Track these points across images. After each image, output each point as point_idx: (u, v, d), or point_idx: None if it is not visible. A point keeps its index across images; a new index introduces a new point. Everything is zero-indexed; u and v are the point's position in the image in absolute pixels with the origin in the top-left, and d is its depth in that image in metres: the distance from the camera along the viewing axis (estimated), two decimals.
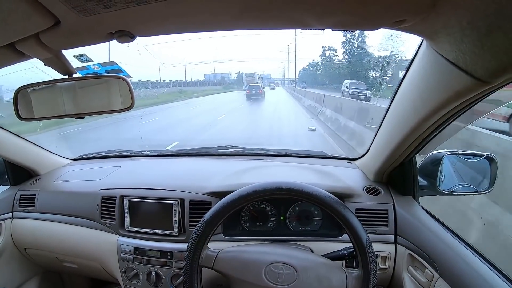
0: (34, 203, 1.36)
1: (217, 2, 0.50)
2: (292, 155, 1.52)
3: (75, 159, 1.64)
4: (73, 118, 0.83)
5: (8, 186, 1.47)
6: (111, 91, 0.80)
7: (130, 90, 0.78)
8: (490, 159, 1.05)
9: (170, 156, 1.62)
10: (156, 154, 1.60)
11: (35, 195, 1.37)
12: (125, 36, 0.59)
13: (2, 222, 1.36)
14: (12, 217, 1.38)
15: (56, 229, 1.29)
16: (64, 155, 1.62)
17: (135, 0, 0.46)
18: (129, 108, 0.79)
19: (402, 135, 0.89)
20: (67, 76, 0.77)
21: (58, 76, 0.78)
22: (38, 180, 1.46)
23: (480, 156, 1.06)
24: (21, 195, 1.40)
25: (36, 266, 1.50)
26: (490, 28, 0.47)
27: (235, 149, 1.58)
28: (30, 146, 1.43)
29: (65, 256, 1.35)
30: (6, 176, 1.46)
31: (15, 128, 1.34)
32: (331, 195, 0.82)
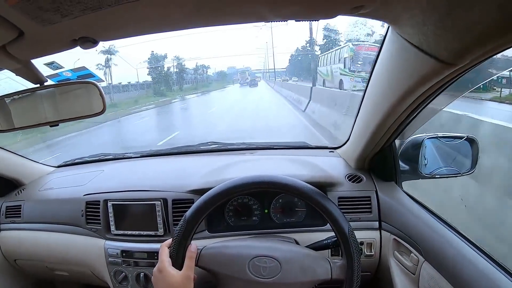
0: (20, 213, 1.34)
1: (170, 3, 0.50)
2: (274, 147, 1.52)
3: (58, 166, 1.62)
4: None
5: None
6: (82, 96, 0.80)
7: (101, 95, 0.78)
8: (471, 141, 1.05)
9: (152, 156, 1.60)
10: (139, 155, 1.59)
11: (20, 205, 1.36)
12: (88, 42, 0.61)
13: None
14: (0, 230, 1.37)
15: (44, 238, 1.28)
16: (48, 163, 1.61)
17: (90, 7, 0.47)
18: (101, 113, 0.79)
19: (378, 121, 0.89)
20: (38, 85, 0.77)
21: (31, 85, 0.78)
22: (23, 190, 1.44)
23: (460, 138, 1.06)
24: (6, 206, 1.38)
25: (28, 276, 1.49)
26: (450, 7, 0.46)
27: (217, 145, 1.58)
28: (11, 156, 1.41)
29: (55, 264, 1.34)
30: None
31: None
32: (310, 185, 0.81)
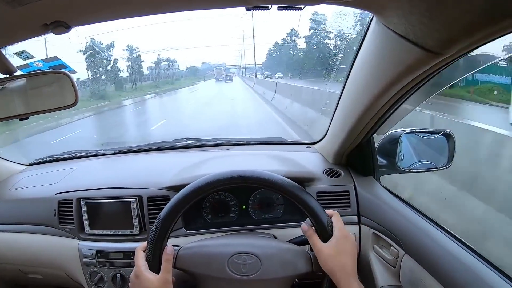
0: None
1: None
2: (251, 143, 1.52)
3: (30, 164, 1.55)
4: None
5: None
6: (54, 88, 0.77)
7: (73, 86, 0.75)
8: (448, 135, 1.07)
9: (126, 153, 1.57)
10: (112, 152, 1.55)
11: None
12: (60, 27, 0.57)
13: None
14: None
15: (16, 240, 1.22)
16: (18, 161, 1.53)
17: None
18: (73, 105, 0.76)
19: (358, 115, 0.89)
20: (7, 76, 0.73)
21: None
22: None
23: (437, 133, 1.08)
24: None
25: (0, 281, 1.42)
26: None
27: (192, 141, 1.56)
28: None
29: (28, 267, 1.28)
30: None
31: None
32: (287, 179, 0.80)
